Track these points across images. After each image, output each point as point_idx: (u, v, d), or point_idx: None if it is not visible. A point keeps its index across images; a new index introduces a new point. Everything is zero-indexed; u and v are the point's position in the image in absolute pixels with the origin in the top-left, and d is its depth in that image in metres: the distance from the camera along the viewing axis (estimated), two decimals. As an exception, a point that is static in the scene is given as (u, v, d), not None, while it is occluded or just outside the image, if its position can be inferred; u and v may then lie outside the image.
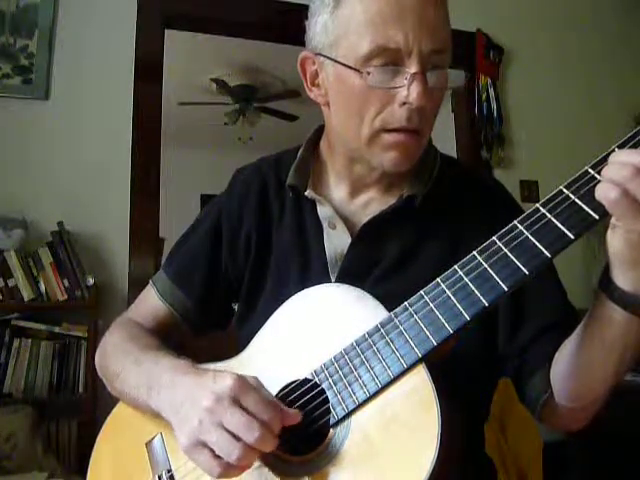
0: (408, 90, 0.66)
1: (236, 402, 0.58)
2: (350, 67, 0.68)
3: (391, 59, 0.67)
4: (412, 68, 0.66)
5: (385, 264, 0.75)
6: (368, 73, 0.67)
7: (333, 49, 0.71)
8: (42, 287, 1.83)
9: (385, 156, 0.72)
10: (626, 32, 2.85)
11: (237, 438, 0.57)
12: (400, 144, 0.71)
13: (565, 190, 0.54)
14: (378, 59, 0.67)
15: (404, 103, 0.67)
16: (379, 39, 0.66)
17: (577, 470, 1.71)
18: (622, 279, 0.54)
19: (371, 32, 0.66)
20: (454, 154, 2.62)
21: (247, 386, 0.60)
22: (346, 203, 0.80)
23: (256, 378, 0.63)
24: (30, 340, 1.82)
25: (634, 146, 0.52)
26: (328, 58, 0.72)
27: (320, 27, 0.72)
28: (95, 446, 0.78)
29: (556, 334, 0.69)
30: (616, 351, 0.58)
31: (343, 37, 0.69)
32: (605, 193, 0.49)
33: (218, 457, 0.57)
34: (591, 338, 0.60)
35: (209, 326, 0.89)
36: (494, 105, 2.53)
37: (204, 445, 0.58)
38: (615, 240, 0.52)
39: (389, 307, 0.62)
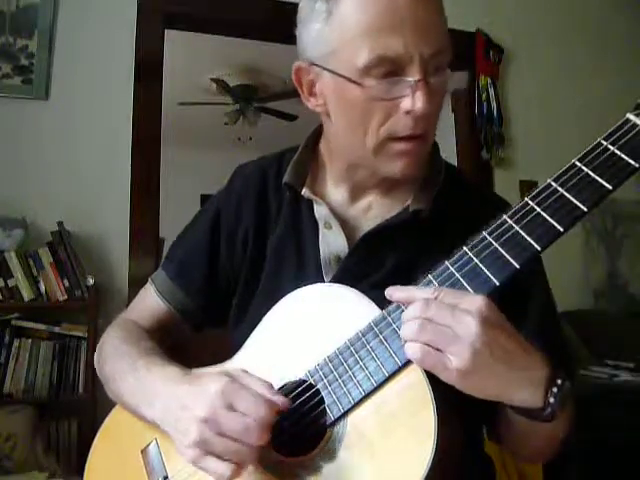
0: (413, 98, 0.64)
1: (229, 406, 0.58)
2: (349, 79, 0.66)
3: (391, 68, 0.64)
4: (415, 75, 0.63)
5: (382, 273, 0.73)
6: (369, 85, 0.64)
7: (329, 60, 0.67)
8: (42, 287, 1.83)
9: (394, 164, 0.70)
10: (628, 31, 2.84)
11: (239, 441, 0.57)
12: (408, 152, 0.69)
13: (553, 183, 0.56)
14: (378, 69, 0.63)
15: (409, 111, 0.65)
16: (377, 49, 0.62)
17: (577, 470, 1.70)
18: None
19: (368, 42, 0.63)
20: (454, 154, 2.62)
21: (237, 387, 0.60)
22: (346, 206, 0.79)
23: (245, 371, 0.63)
24: (30, 340, 1.83)
25: (618, 138, 0.54)
26: (325, 69, 0.69)
27: (314, 37, 0.68)
28: (90, 452, 0.77)
29: None
30: (529, 435, 0.63)
31: (339, 48, 0.65)
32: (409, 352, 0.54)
33: (226, 460, 0.58)
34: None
35: (208, 324, 0.88)
36: (494, 105, 2.53)
37: (211, 454, 0.58)
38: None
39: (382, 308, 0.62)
